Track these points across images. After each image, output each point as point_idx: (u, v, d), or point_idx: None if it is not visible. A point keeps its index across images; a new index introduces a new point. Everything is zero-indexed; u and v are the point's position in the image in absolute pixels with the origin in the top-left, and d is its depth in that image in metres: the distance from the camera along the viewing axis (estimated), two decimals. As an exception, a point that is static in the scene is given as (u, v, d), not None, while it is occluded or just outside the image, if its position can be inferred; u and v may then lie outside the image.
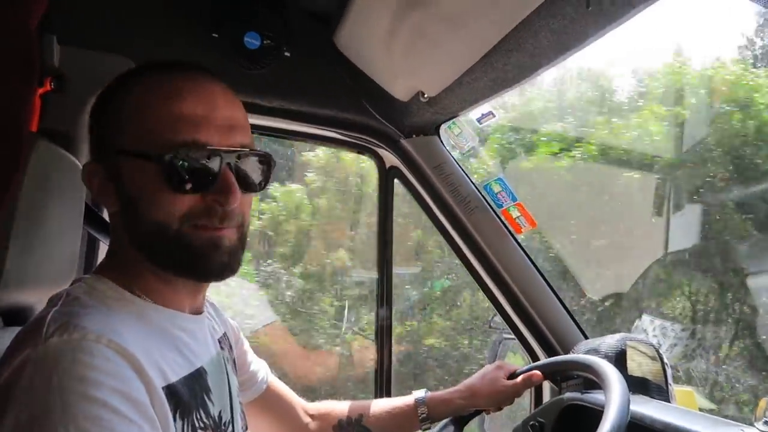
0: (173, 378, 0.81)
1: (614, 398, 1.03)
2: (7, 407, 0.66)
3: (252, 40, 1.39)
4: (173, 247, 0.82)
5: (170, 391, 0.79)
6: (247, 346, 1.25)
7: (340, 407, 1.36)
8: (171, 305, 0.88)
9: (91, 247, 1.44)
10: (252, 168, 0.87)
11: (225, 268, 0.86)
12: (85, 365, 0.68)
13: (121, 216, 0.85)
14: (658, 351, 1.45)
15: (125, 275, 0.85)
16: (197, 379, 0.87)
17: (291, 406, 1.32)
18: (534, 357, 1.75)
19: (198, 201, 0.82)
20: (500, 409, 1.39)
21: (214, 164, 0.81)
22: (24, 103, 0.86)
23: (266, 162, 0.89)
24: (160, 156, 0.79)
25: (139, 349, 0.74)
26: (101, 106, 0.88)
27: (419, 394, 1.36)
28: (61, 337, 0.70)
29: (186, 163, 0.79)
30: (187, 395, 0.82)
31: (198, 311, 0.95)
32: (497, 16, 1.08)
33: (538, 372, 1.35)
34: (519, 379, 1.34)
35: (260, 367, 1.28)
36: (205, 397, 0.88)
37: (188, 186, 0.80)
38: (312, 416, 1.34)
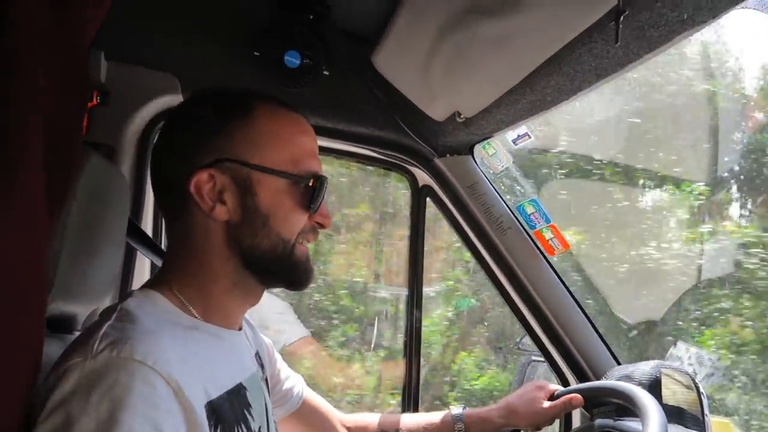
0: (215, 394, 0.83)
1: (652, 428, 1.01)
2: (50, 411, 0.71)
3: (292, 59, 1.42)
4: (287, 260, 0.93)
5: (212, 407, 0.81)
6: (281, 362, 1.26)
7: (375, 420, 1.36)
8: (221, 322, 0.92)
9: (127, 259, 1.46)
10: None
11: (312, 277, 1.00)
12: (124, 387, 0.71)
13: (233, 226, 0.90)
14: (693, 380, 1.42)
15: (189, 287, 0.89)
16: (238, 395, 0.89)
17: (327, 419, 1.33)
18: (564, 381, 1.72)
19: (306, 220, 0.94)
20: (538, 429, 1.37)
21: (324, 192, 0.95)
22: (78, 118, 0.89)
23: None
24: (304, 180, 0.92)
25: (183, 369, 0.77)
26: (211, 116, 0.92)
27: (456, 410, 1.35)
28: (110, 354, 0.74)
29: (319, 190, 0.93)
30: (229, 410, 0.84)
31: (240, 327, 0.99)
32: (541, 39, 1.08)
33: (578, 395, 1.33)
34: (559, 401, 1.33)
35: (295, 383, 1.28)
36: (246, 413, 0.90)
37: (313, 208, 0.94)
38: (349, 429, 1.34)
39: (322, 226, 0.97)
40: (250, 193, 0.89)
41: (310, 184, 0.93)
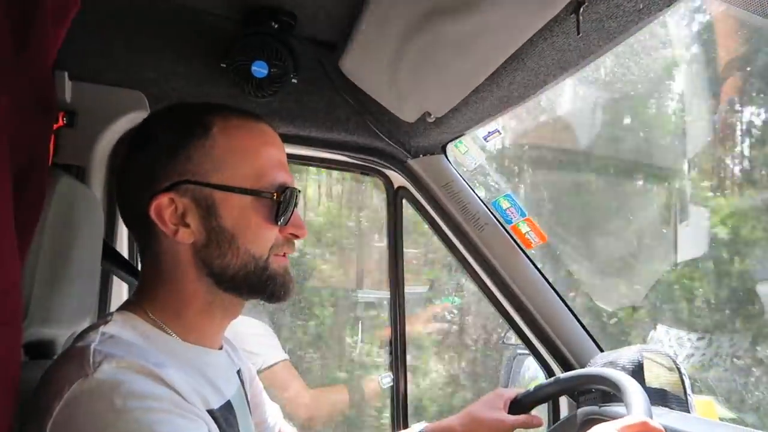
0: (213, 406, 0.84)
1: (636, 406, 1.03)
2: None
3: (259, 69, 1.42)
4: (263, 275, 0.90)
5: (213, 416, 0.82)
6: (260, 387, 1.24)
7: None
8: (201, 341, 0.91)
9: (104, 281, 1.45)
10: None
11: (292, 290, 0.97)
12: (142, 385, 0.73)
13: (199, 248, 0.88)
14: (675, 361, 1.44)
15: (165, 310, 0.89)
16: (229, 410, 0.89)
17: None
18: (549, 372, 1.74)
19: (279, 233, 0.92)
20: None
21: (296, 202, 0.94)
22: (45, 140, 0.88)
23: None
24: (270, 194, 0.90)
25: (179, 380, 0.77)
26: (170, 138, 0.90)
27: (418, 426, 1.34)
28: (110, 365, 0.74)
29: (287, 202, 0.91)
30: (225, 425, 0.84)
31: (221, 346, 0.99)
32: (503, 36, 1.10)
33: (539, 417, 1.32)
34: (521, 418, 1.30)
35: (272, 413, 1.27)
36: (238, 428, 0.90)
37: (282, 221, 0.91)
38: None
39: (296, 236, 0.95)
40: (213, 213, 0.87)
41: (276, 197, 0.90)
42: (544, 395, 1.37)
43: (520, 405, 1.34)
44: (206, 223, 0.88)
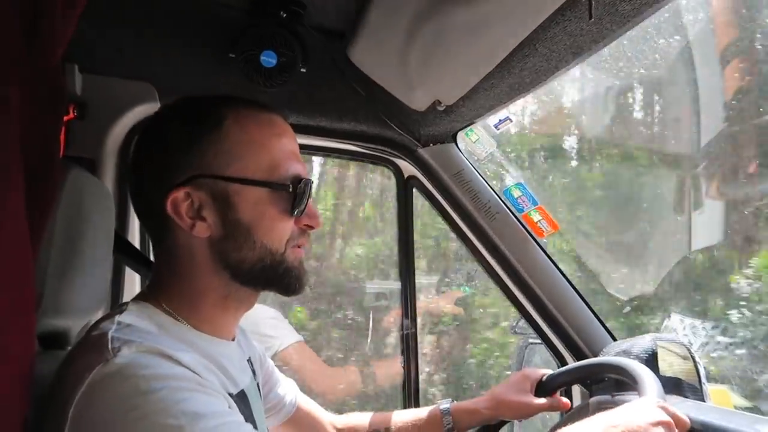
0: (230, 391, 0.86)
1: (649, 394, 1.02)
2: (102, 426, 0.70)
3: (268, 59, 1.41)
4: (279, 268, 0.90)
5: (233, 400, 0.84)
6: (273, 368, 1.26)
7: (366, 420, 1.36)
8: (214, 332, 0.92)
9: (116, 273, 1.46)
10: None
11: (306, 282, 0.96)
12: (163, 367, 0.74)
13: (216, 241, 0.88)
14: (689, 350, 1.43)
15: (178, 302, 0.89)
16: (244, 399, 0.90)
17: (320, 422, 1.33)
18: (562, 360, 1.74)
19: (293, 225, 0.91)
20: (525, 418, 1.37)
21: (309, 193, 0.93)
22: (55, 132, 0.88)
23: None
24: (285, 186, 0.89)
25: (196, 364, 0.79)
26: (183, 131, 0.89)
27: (444, 404, 1.35)
28: (129, 350, 0.74)
29: (302, 193, 0.90)
30: (242, 412, 0.85)
31: (234, 336, 0.99)
32: (514, 22, 1.09)
33: (566, 401, 1.34)
34: (546, 402, 1.32)
35: (288, 390, 1.29)
36: (253, 417, 0.91)
37: (298, 212, 0.91)
38: (339, 430, 1.34)
39: (311, 227, 0.95)
40: (229, 206, 0.87)
41: (291, 189, 0.90)
42: (572, 379, 1.37)
43: (545, 388, 1.34)
44: (223, 216, 0.87)
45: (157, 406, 0.70)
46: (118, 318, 0.82)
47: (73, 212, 0.93)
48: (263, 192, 0.89)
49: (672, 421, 0.89)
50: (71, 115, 1.39)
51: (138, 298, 0.91)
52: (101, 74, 1.42)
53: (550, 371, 1.37)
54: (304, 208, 0.92)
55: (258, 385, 1.09)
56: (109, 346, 0.74)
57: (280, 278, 0.92)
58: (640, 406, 0.92)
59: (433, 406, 1.36)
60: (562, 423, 1.40)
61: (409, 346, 1.83)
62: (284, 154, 0.91)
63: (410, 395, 1.81)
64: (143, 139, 0.94)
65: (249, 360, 1.08)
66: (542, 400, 1.31)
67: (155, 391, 0.70)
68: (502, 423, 1.39)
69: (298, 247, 0.94)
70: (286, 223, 0.91)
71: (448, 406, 1.34)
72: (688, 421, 0.93)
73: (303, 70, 1.45)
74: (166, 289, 0.91)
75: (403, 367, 1.84)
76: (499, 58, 1.21)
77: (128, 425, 0.69)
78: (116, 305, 1.17)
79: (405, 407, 1.80)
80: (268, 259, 0.89)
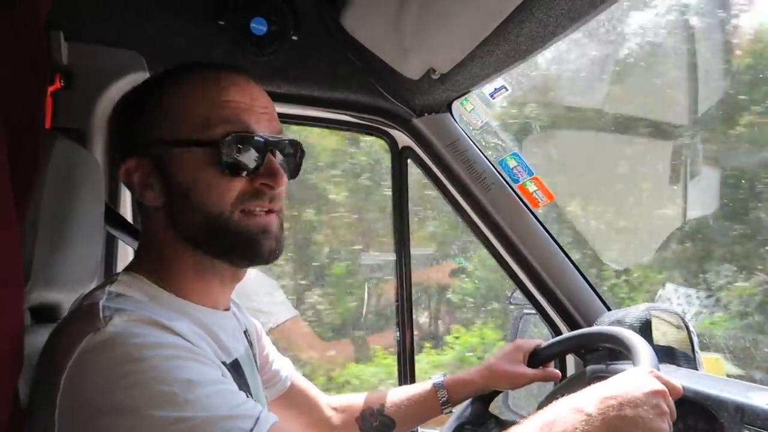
0: (223, 360, 0.85)
1: (643, 363, 1.02)
2: (93, 393, 0.70)
3: (258, 26, 1.38)
4: (226, 233, 0.85)
5: (227, 368, 0.84)
6: (268, 343, 1.26)
7: (361, 399, 1.36)
8: (204, 302, 0.91)
9: (109, 245, 1.44)
10: (288, 155, 0.91)
11: (272, 253, 0.89)
12: (155, 335, 0.73)
13: (166, 209, 0.87)
14: (683, 319, 1.44)
15: (160, 273, 0.88)
16: (237, 369, 0.90)
17: (315, 401, 1.33)
18: (557, 331, 1.74)
19: (247, 186, 0.85)
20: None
21: (261, 149, 0.86)
22: (39, 101, 0.85)
23: (300, 150, 0.94)
24: (215, 142, 0.83)
25: (189, 332, 0.78)
26: (137, 101, 0.89)
27: (437, 378, 1.35)
28: (121, 318, 0.74)
29: (239, 149, 0.83)
30: (236, 381, 0.85)
31: (227, 308, 0.98)
32: (510, -15, 1.06)
33: (556, 371, 1.36)
34: (539, 372, 1.34)
35: (283, 365, 1.29)
36: (247, 386, 0.90)
37: (240, 171, 0.84)
38: (335, 409, 1.35)
39: (270, 186, 0.87)
40: (169, 172, 0.85)
41: (225, 146, 0.83)
42: (565, 348, 1.40)
43: (537, 358, 1.36)
44: (165, 182, 0.86)
45: (150, 374, 0.69)
46: (109, 288, 0.82)
47: (60, 184, 0.92)
48: (197, 152, 0.84)
49: (666, 389, 0.90)
50: (58, 85, 1.36)
51: (129, 269, 0.90)
52: (88, 42, 1.38)
53: (542, 342, 1.38)
54: (253, 167, 0.85)
55: (255, 356, 1.09)
56: (101, 315, 0.74)
57: (229, 245, 0.86)
58: (635, 376, 0.92)
59: (427, 381, 1.36)
60: (558, 392, 1.41)
61: (404, 318, 1.83)
62: (220, 110, 0.85)
63: (406, 366, 1.82)
64: (115, 110, 0.96)
65: (246, 332, 1.08)
66: (536, 371, 1.33)
67: (147, 359, 0.70)
68: (496, 393, 1.40)
69: (255, 210, 0.87)
70: (227, 182, 0.84)
71: (441, 379, 1.34)
72: (681, 389, 0.94)
73: (294, 37, 1.42)
74: (146, 259, 0.90)
75: (397, 341, 1.84)
76: (495, 25, 1.18)
77: (120, 392, 0.68)
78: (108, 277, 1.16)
79: (401, 378, 1.81)
80: (212, 223, 0.84)
